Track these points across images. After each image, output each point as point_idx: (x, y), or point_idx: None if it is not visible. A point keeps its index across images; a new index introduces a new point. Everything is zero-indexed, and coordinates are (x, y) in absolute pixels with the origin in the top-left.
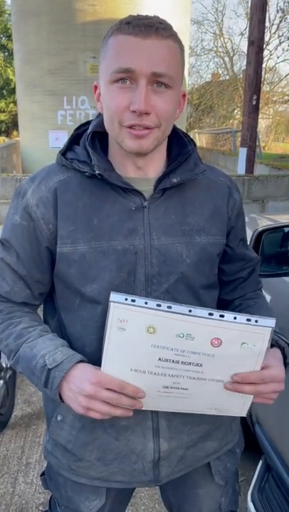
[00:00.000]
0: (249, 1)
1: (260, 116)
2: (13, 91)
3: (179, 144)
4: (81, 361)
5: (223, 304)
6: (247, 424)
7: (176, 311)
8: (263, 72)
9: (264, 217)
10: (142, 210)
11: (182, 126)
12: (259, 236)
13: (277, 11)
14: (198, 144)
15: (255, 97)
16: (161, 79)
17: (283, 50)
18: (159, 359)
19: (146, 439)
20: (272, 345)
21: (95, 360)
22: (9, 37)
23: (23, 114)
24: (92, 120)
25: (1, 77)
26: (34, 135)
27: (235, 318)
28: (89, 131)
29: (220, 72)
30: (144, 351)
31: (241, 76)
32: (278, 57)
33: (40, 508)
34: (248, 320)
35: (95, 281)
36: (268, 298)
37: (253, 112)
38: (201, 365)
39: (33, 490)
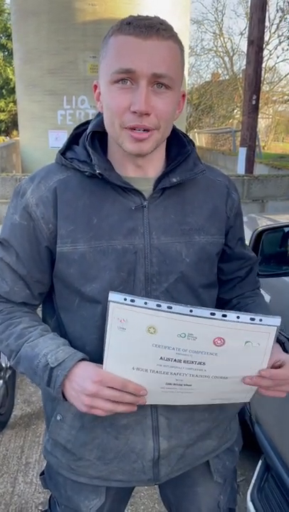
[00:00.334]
0: (249, 0)
1: (259, 116)
2: (12, 90)
3: (178, 144)
4: (83, 359)
5: (221, 303)
6: (246, 424)
7: (176, 312)
8: (262, 72)
9: (264, 217)
10: (141, 210)
11: (182, 126)
12: (259, 236)
13: (277, 11)
14: (197, 143)
15: (254, 97)
16: (161, 80)
17: (283, 49)
18: (161, 358)
19: (146, 438)
20: None
21: (96, 359)
22: (9, 36)
23: (22, 113)
24: (91, 120)
25: (1, 77)
26: (34, 135)
27: (238, 317)
28: (88, 130)
29: (220, 71)
30: (145, 350)
31: (241, 76)
32: (278, 57)
33: (40, 508)
34: (252, 319)
35: (94, 280)
36: (268, 298)
37: (252, 111)
38: (204, 364)
39: (32, 490)
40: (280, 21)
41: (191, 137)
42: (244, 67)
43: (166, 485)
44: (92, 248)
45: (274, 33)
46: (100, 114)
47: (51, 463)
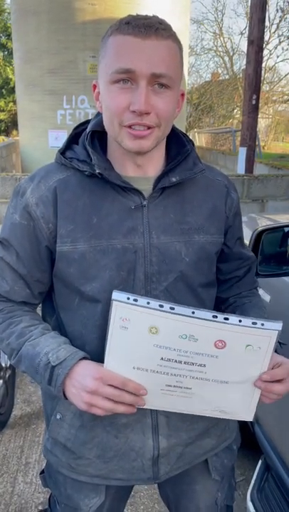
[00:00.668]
0: (249, 0)
1: (259, 116)
2: (12, 90)
3: (177, 144)
4: (84, 358)
5: (218, 302)
6: (246, 424)
7: (179, 313)
8: (262, 72)
9: (264, 217)
10: (141, 209)
11: (182, 126)
12: (259, 236)
13: (277, 11)
14: (197, 143)
15: (254, 97)
16: (161, 80)
17: (283, 49)
18: (162, 358)
19: (146, 437)
20: None
21: (95, 358)
22: (9, 36)
23: (22, 113)
24: (90, 119)
25: (1, 76)
26: (34, 134)
27: (240, 321)
28: (88, 130)
29: (219, 71)
30: (146, 350)
31: (241, 75)
32: (278, 57)
33: (40, 508)
34: (254, 323)
35: (94, 280)
36: (268, 298)
37: (252, 111)
38: (205, 366)
39: (32, 489)
40: (280, 21)
41: (191, 137)
42: (244, 66)
43: (166, 483)
44: (92, 247)
45: (274, 32)
46: (99, 114)
47: (51, 461)
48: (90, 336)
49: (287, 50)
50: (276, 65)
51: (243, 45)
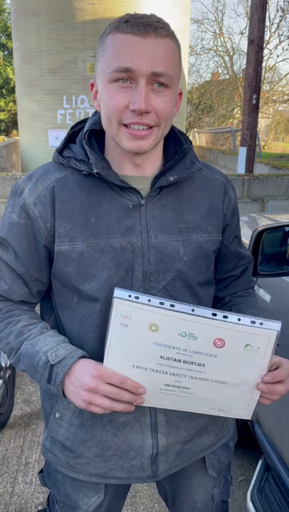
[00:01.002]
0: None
1: (259, 116)
2: (12, 90)
3: (175, 143)
4: (83, 356)
5: (214, 301)
6: (246, 424)
7: (178, 310)
8: (262, 72)
9: (264, 217)
10: (139, 208)
11: (182, 125)
12: (259, 235)
13: (277, 10)
14: (197, 143)
15: (255, 96)
16: (160, 78)
17: (283, 49)
18: (161, 357)
19: (145, 435)
20: None
21: (94, 357)
22: (9, 36)
23: (22, 113)
24: (88, 118)
25: (1, 76)
26: (34, 134)
27: (239, 319)
28: (85, 129)
29: (220, 71)
30: (146, 348)
31: (241, 75)
32: (278, 57)
33: (40, 508)
34: (253, 322)
35: (93, 279)
36: (268, 298)
37: (252, 111)
38: (204, 365)
39: (32, 489)
40: (280, 21)
41: (191, 137)
42: (244, 66)
43: (163, 479)
44: (90, 247)
45: (274, 32)
46: (96, 113)
47: (50, 460)
48: (88, 334)
49: (287, 49)
50: (276, 64)
51: (243, 45)
